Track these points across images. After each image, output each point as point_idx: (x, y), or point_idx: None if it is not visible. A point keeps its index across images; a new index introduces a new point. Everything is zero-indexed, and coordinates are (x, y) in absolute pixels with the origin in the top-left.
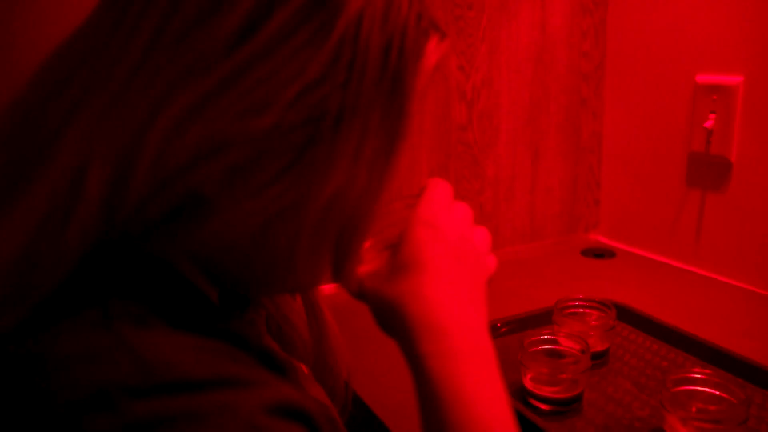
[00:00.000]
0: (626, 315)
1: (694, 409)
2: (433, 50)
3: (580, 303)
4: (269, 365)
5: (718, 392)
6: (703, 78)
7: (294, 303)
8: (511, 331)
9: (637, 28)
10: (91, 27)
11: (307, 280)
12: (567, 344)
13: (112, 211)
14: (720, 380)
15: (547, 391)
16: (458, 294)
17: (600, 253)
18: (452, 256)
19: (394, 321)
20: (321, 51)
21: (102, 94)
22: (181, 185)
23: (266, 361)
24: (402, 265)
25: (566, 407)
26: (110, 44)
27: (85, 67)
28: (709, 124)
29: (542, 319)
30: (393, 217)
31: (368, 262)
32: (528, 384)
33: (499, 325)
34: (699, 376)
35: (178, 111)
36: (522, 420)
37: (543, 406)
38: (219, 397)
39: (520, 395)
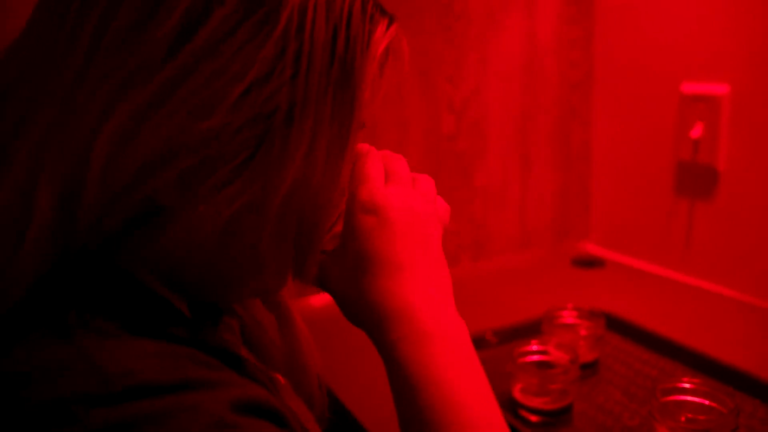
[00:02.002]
0: (616, 324)
1: (683, 419)
2: (382, 36)
3: (570, 313)
4: (243, 374)
5: (707, 402)
6: (690, 87)
7: (266, 311)
8: (500, 342)
9: (624, 37)
10: (30, 37)
11: (273, 280)
12: (556, 354)
13: (66, 226)
14: (709, 389)
15: (536, 402)
16: (415, 277)
17: (590, 262)
18: (401, 239)
19: (358, 315)
20: (265, 46)
21: (48, 106)
22: (136, 195)
23: (240, 370)
24: (354, 260)
25: (556, 418)
26: (51, 55)
27: (28, 80)
28: (696, 133)
29: (532, 329)
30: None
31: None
32: (518, 395)
33: (489, 336)
34: (688, 385)
35: (123, 119)
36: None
37: (533, 418)
38: (182, 398)
39: (510, 406)
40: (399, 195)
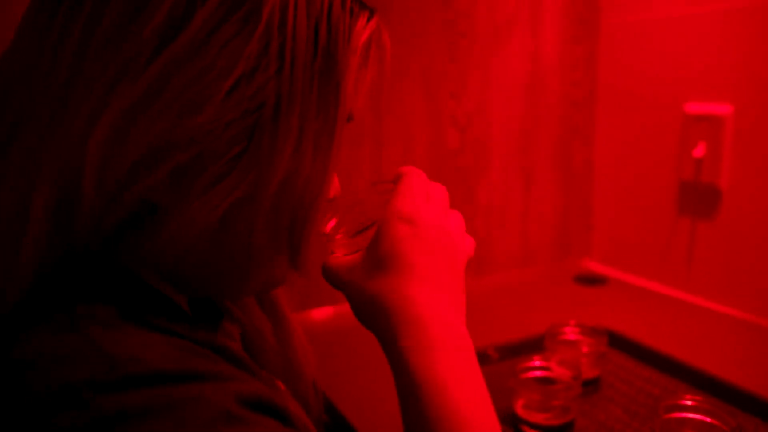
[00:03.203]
0: (618, 342)
1: None
2: (363, 27)
3: (572, 329)
4: (244, 370)
5: (709, 419)
6: (693, 107)
7: (264, 317)
8: (503, 358)
9: (627, 57)
10: (20, 43)
11: (268, 275)
12: (559, 371)
13: (64, 228)
14: (711, 407)
15: (538, 418)
16: (437, 289)
17: (592, 280)
18: (431, 252)
19: (373, 315)
20: (250, 42)
21: (40, 111)
22: (131, 194)
23: (242, 367)
24: (381, 261)
25: None
26: (41, 60)
27: (20, 86)
28: (699, 152)
29: (534, 345)
30: (364, 203)
31: (340, 248)
32: (520, 411)
33: (491, 352)
34: (690, 403)
35: (114, 119)
36: None
37: None
38: (189, 389)
39: (511, 422)
40: (436, 214)
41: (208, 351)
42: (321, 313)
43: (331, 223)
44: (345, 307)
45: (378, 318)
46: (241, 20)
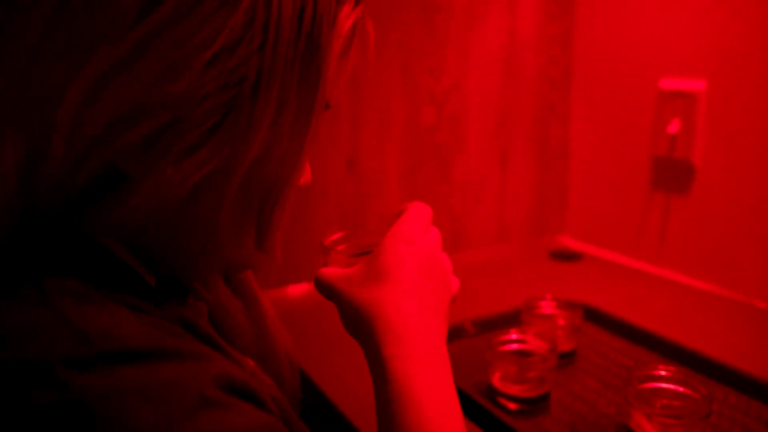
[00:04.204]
0: (593, 315)
1: (658, 405)
2: (348, 15)
3: (548, 303)
4: (214, 349)
5: (681, 389)
6: (667, 83)
7: (232, 296)
8: (480, 332)
9: (603, 34)
10: None
11: (232, 255)
12: (535, 343)
13: (29, 185)
14: (684, 377)
15: (515, 390)
16: (425, 305)
17: (567, 256)
18: (424, 272)
19: (362, 324)
20: (235, 14)
21: (9, 65)
22: (99, 156)
23: (211, 345)
24: (377, 273)
25: (534, 405)
26: (12, 13)
27: None
28: (673, 128)
29: (510, 319)
30: (368, 229)
31: (334, 264)
32: (496, 383)
33: (468, 326)
34: (664, 373)
35: (90, 78)
36: (490, 419)
37: (511, 405)
38: (166, 369)
39: (488, 394)
40: (433, 245)
41: (179, 328)
42: (298, 290)
43: (333, 237)
44: None
45: (366, 326)
46: None
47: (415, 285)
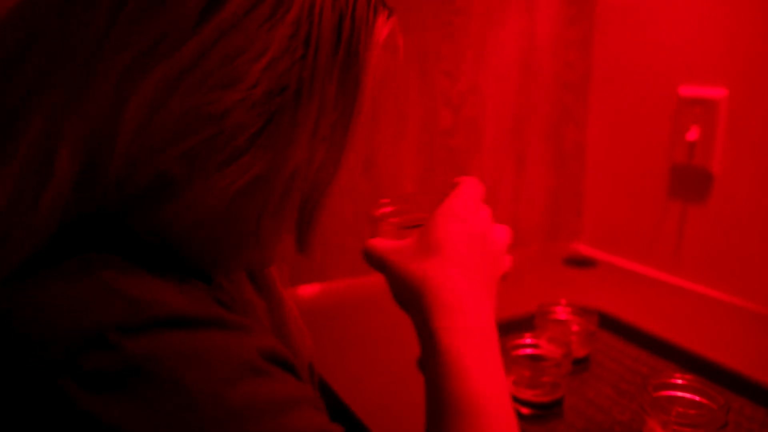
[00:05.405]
0: (607, 322)
1: (674, 414)
2: (383, 24)
3: (563, 309)
4: None
5: (697, 398)
6: (687, 90)
7: (257, 296)
8: None
9: (622, 39)
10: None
11: (268, 254)
12: (549, 348)
13: (85, 188)
14: (700, 386)
15: (528, 394)
16: (475, 280)
17: (581, 262)
18: (475, 248)
19: (412, 295)
20: (282, 25)
21: (64, 71)
22: (159, 163)
23: None
24: (428, 247)
25: (547, 411)
26: (65, 19)
27: (42, 44)
28: (692, 136)
29: (524, 324)
30: (419, 201)
31: (385, 235)
32: (510, 387)
33: None
34: (680, 381)
35: (153, 88)
36: None
37: (524, 410)
38: (213, 335)
39: None
40: (485, 222)
41: (216, 303)
42: (309, 290)
43: (384, 210)
44: (333, 285)
45: (417, 298)
46: (276, 3)
47: (465, 260)
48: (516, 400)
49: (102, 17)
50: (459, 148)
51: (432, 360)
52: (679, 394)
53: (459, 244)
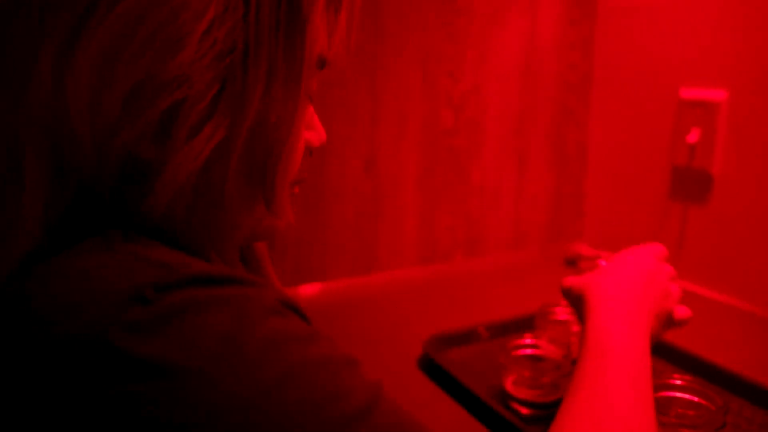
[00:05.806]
0: None
1: (672, 414)
2: None
3: (563, 309)
4: None
5: (696, 399)
6: (687, 92)
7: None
8: (494, 336)
9: (624, 41)
10: None
11: (249, 224)
12: (549, 349)
13: (68, 171)
14: (699, 387)
15: (528, 395)
16: (638, 303)
17: None
18: (658, 303)
19: (601, 301)
20: None
21: (6, 70)
22: (124, 141)
23: None
24: (627, 271)
25: (547, 411)
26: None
27: None
28: (692, 138)
29: (525, 324)
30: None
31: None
32: (509, 387)
33: (481, 330)
34: (679, 382)
35: (89, 63)
36: (503, 423)
37: (524, 410)
38: (239, 289)
39: (501, 398)
40: (665, 271)
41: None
42: (309, 290)
43: (583, 251)
44: (333, 284)
45: (598, 304)
46: None
47: (648, 289)
48: (515, 399)
49: (36, 7)
50: (460, 148)
51: (593, 352)
52: (678, 394)
53: (653, 275)
